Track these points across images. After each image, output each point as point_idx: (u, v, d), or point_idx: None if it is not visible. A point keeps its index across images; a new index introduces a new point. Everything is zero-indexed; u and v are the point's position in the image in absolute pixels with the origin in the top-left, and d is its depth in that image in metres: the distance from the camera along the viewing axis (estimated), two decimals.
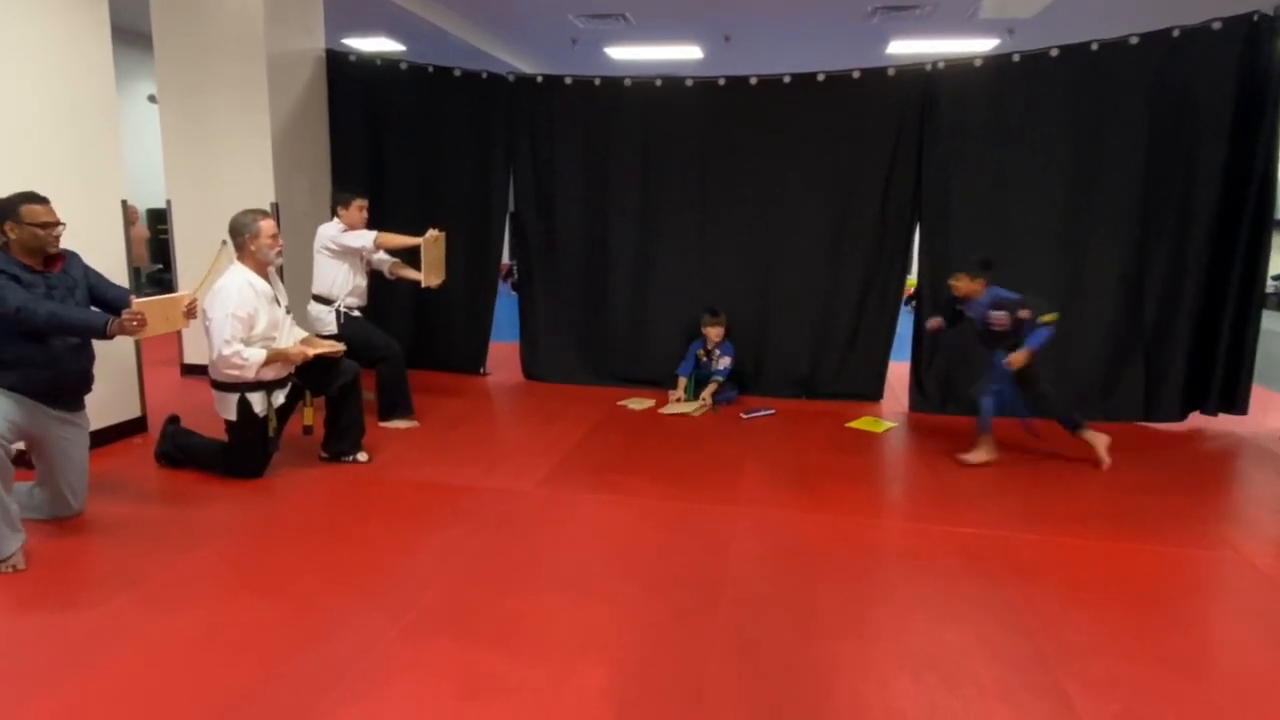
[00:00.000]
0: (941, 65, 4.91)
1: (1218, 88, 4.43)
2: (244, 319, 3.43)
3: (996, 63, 4.82)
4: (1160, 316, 4.77)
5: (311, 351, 3.68)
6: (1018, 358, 3.81)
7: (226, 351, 3.39)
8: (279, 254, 3.61)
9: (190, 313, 3.13)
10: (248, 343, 3.45)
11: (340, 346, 3.87)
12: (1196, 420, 4.84)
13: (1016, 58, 4.75)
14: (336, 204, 4.65)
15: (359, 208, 4.61)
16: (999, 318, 3.93)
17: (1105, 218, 4.75)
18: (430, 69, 5.63)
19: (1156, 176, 4.63)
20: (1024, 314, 3.85)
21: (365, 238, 4.47)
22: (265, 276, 3.59)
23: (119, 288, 3.20)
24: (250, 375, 3.47)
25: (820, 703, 2.09)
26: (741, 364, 5.38)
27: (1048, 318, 3.79)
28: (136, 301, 2.90)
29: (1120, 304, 4.81)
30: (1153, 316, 4.78)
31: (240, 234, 3.55)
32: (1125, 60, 4.56)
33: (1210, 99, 4.46)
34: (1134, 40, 4.53)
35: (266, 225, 3.55)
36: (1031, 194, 4.82)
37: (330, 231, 4.54)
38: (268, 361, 3.49)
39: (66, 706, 2.02)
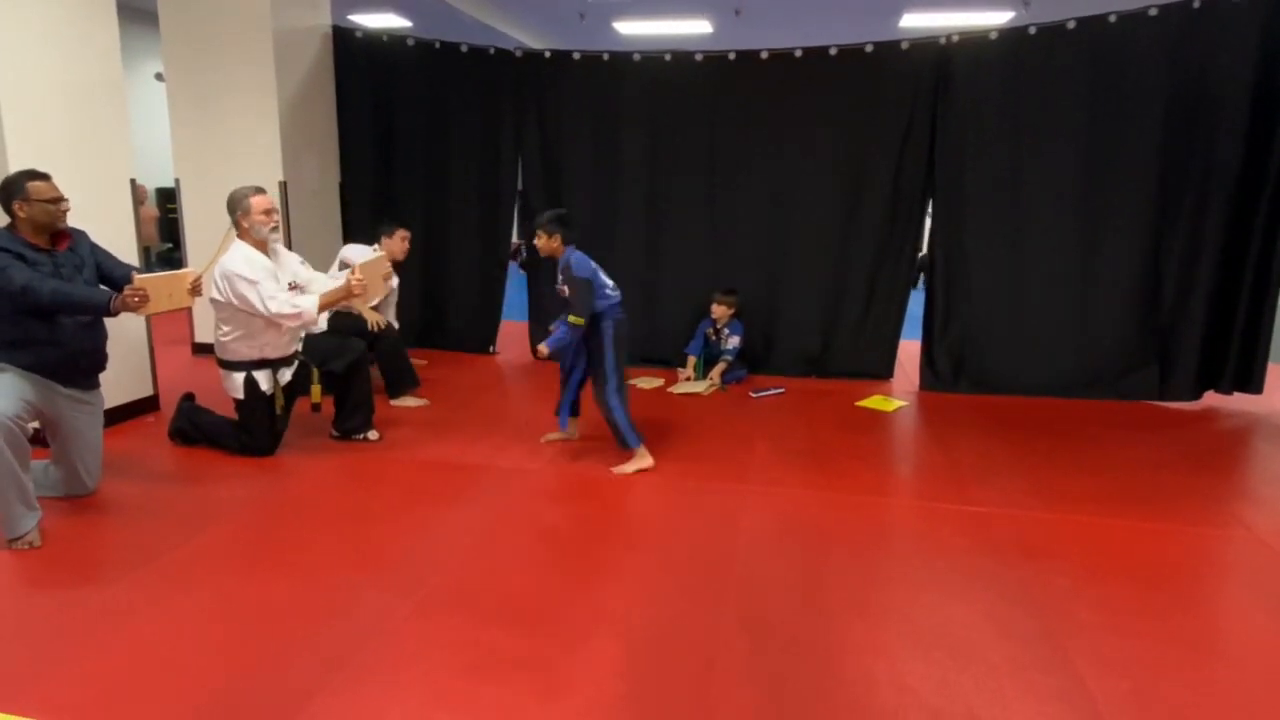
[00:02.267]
0: (956, 38, 4.83)
1: (1239, 60, 4.35)
2: (258, 281, 3.43)
3: (1012, 35, 4.74)
4: (1176, 294, 4.71)
5: (375, 296, 3.63)
6: (542, 349, 3.61)
7: (275, 307, 3.41)
8: (273, 229, 3.56)
9: (195, 290, 3.12)
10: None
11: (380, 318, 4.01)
12: (1211, 399, 4.80)
13: (1033, 30, 4.67)
14: (381, 232, 4.81)
15: (402, 238, 4.78)
16: (561, 288, 3.61)
17: (1121, 194, 4.68)
18: (437, 45, 5.58)
19: (1174, 152, 4.55)
20: (563, 290, 3.57)
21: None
22: (266, 253, 3.58)
23: (127, 265, 3.20)
24: (308, 319, 3.51)
25: (829, 679, 2.09)
26: (751, 342, 5.36)
27: (574, 319, 3.46)
28: (139, 278, 2.90)
29: (1135, 281, 4.76)
30: (1168, 294, 4.72)
31: (233, 211, 3.54)
32: (1144, 32, 4.47)
33: (1231, 72, 4.37)
34: (1153, 12, 4.44)
35: (257, 201, 3.51)
36: (1047, 169, 4.76)
37: (334, 268, 4.60)
38: (323, 305, 3.52)
39: (86, 678, 2.05)
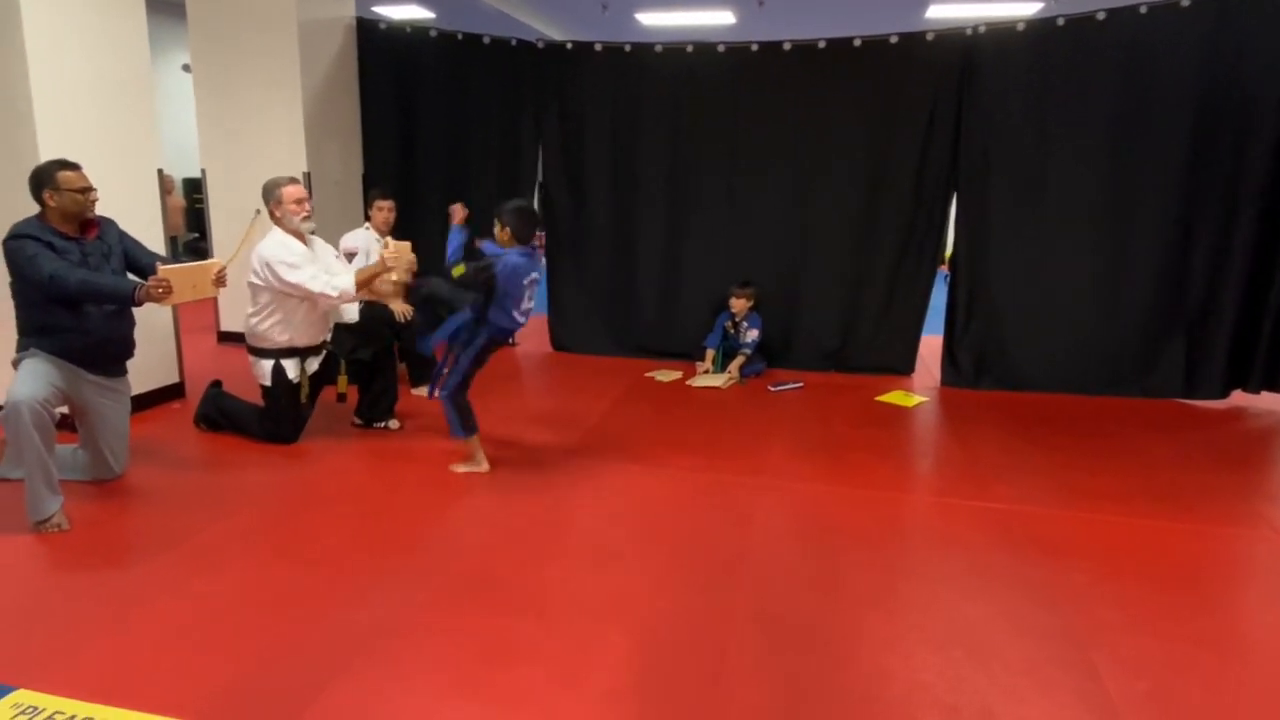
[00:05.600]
0: (982, 29, 4.77)
1: (1275, 53, 4.24)
2: (300, 263, 3.50)
3: (1040, 26, 4.67)
4: (1204, 291, 4.62)
5: (393, 272, 3.62)
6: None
7: (317, 286, 3.47)
8: (305, 219, 3.61)
9: (220, 280, 3.16)
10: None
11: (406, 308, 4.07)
12: (1238, 398, 4.71)
13: (1061, 21, 4.59)
14: (368, 209, 4.76)
15: (377, 209, 4.66)
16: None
17: (1150, 189, 4.60)
18: (459, 36, 5.60)
19: (1205, 146, 4.46)
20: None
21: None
22: (303, 240, 3.63)
23: (153, 255, 3.25)
24: (347, 297, 3.58)
25: (843, 673, 2.09)
26: (770, 336, 5.34)
27: (456, 270, 3.23)
28: (163, 269, 2.95)
29: (1162, 277, 4.67)
30: (1196, 291, 4.64)
31: (266, 199, 3.60)
32: (1176, 24, 4.38)
33: (1265, 64, 4.27)
34: (1185, 3, 4.34)
35: (290, 190, 3.57)
36: (1074, 164, 4.68)
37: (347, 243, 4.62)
38: (359, 285, 3.56)
39: (110, 658, 2.10)
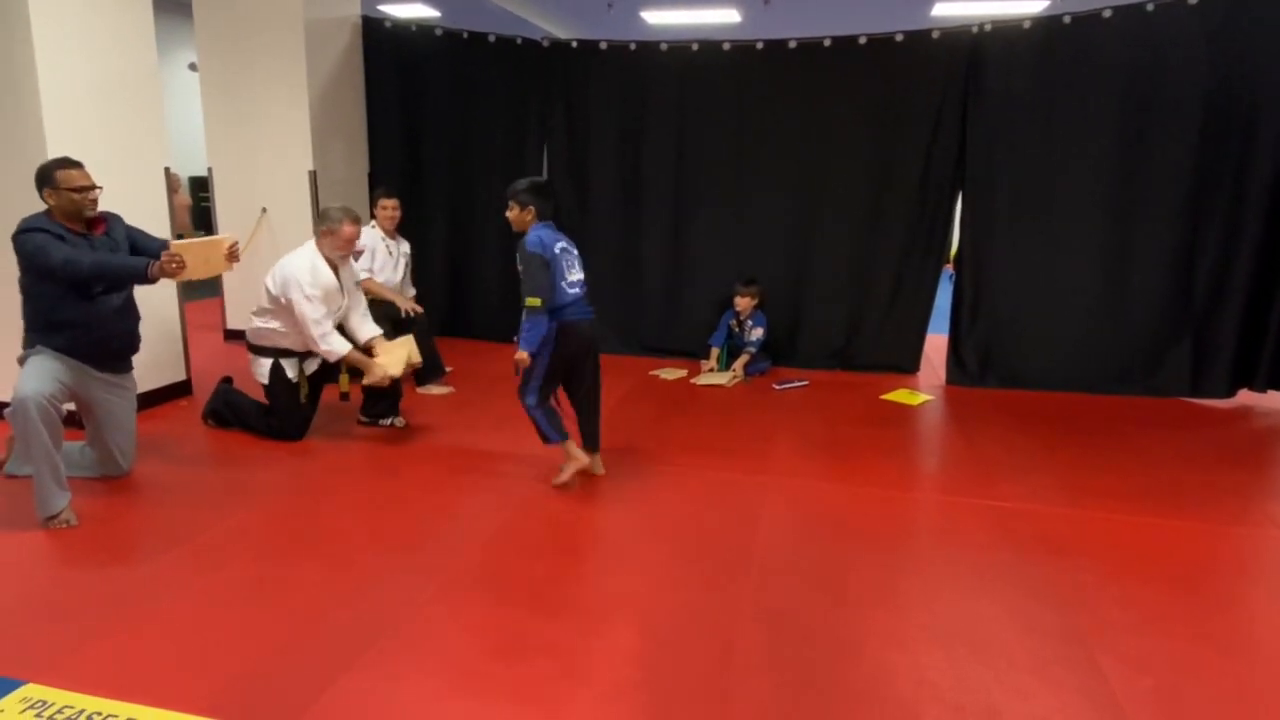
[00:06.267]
0: (988, 27, 4.76)
1: None
2: (320, 296, 3.54)
3: (1046, 24, 4.66)
4: (1210, 290, 4.61)
5: (392, 372, 3.65)
6: (520, 356, 3.10)
7: (315, 331, 3.52)
8: (345, 258, 3.69)
9: (233, 255, 3.18)
10: None
11: (414, 360, 3.90)
12: (1245, 397, 4.70)
13: (1067, 19, 4.58)
14: (372, 207, 4.76)
15: (381, 208, 4.67)
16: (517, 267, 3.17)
17: (1156, 187, 4.59)
18: (465, 35, 5.61)
19: (1211, 144, 4.45)
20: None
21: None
22: (335, 267, 3.65)
23: (159, 240, 3.25)
24: (329, 357, 3.61)
25: (848, 671, 2.09)
26: (775, 335, 5.33)
27: (530, 301, 3.04)
28: (176, 243, 2.96)
29: (1169, 276, 4.66)
30: (1202, 289, 4.62)
31: (322, 221, 3.64)
32: (1183, 21, 4.37)
33: (1272, 61, 4.26)
34: (1192, 1, 4.33)
35: (349, 231, 3.61)
36: (1080, 162, 4.67)
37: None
38: (348, 361, 3.61)
39: (118, 653, 2.11)
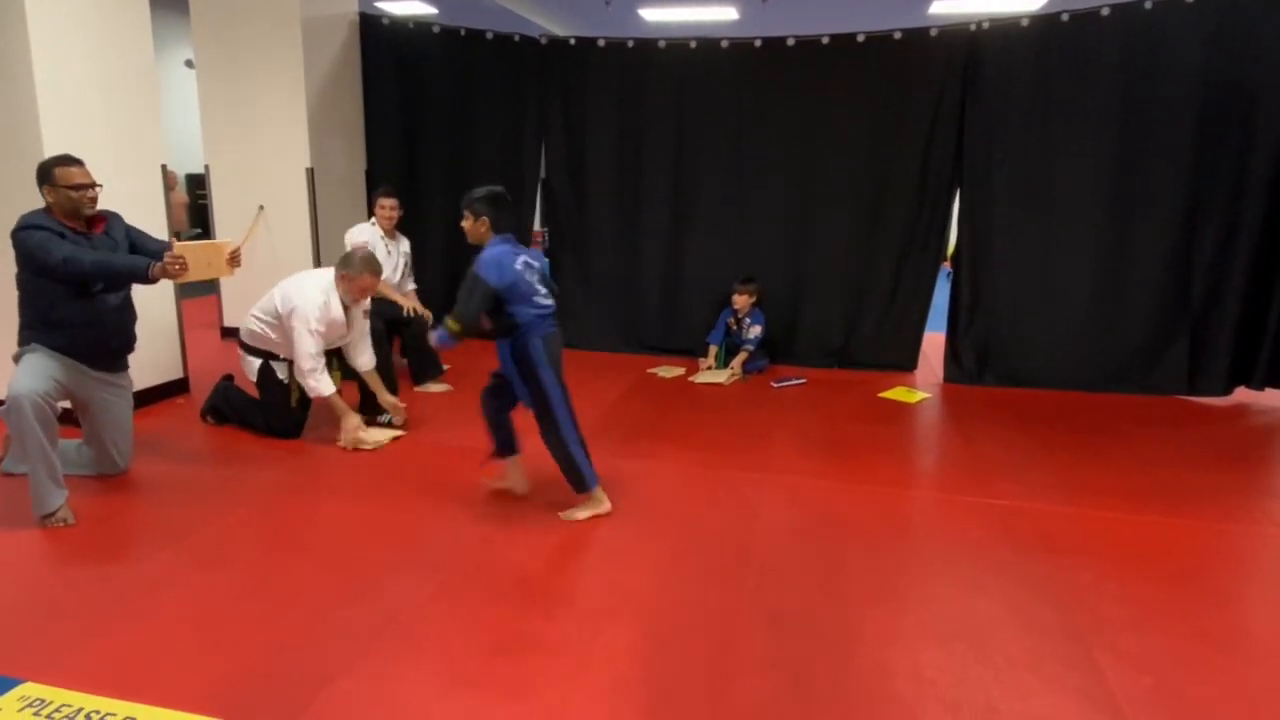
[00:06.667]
0: (986, 25, 4.76)
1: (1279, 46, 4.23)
2: (322, 332, 3.55)
3: (1044, 22, 4.65)
4: (1208, 288, 4.62)
5: (368, 441, 3.66)
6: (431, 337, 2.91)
7: (306, 366, 3.52)
8: (356, 303, 3.71)
9: (235, 260, 3.18)
10: None
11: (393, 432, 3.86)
12: (1242, 395, 4.71)
13: (1065, 17, 4.58)
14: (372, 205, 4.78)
15: (379, 207, 4.69)
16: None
17: (1154, 186, 4.59)
18: (462, 32, 5.60)
19: (1209, 142, 4.45)
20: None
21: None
22: (346, 307, 3.66)
23: (160, 241, 3.25)
24: (310, 393, 3.61)
25: (846, 668, 2.10)
26: (773, 333, 5.34)
27: (450, 323, 2.75)
28: (179, 244, 2.96)
29: (1166, 274, 4.67)
30: (1200, 287, 4.63)
31: (344, 265, 3.64)
32: (1181, 19, 4.37)
33: (1270, 59, 4.26)
34: None
35: (365, 282, 3.62)
36: (1077, 160, 4.68)
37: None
38: (331, 405, 3.61)
39: (117, 652, 2.11)
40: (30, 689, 1.93)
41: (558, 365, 2.92)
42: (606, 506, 3.01)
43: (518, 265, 2.84)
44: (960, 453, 3.84)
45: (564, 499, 3.10)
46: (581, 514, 2.98)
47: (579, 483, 2.97)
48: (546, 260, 4.41)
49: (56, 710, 1.86)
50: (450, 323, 2.75)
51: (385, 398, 3.86)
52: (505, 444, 3.12)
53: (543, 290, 2.90)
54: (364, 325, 3.85)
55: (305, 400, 3.77)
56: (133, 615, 2.28)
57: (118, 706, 1.88)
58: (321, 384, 3.56)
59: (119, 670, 2.03)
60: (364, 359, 3.83)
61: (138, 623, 2.25)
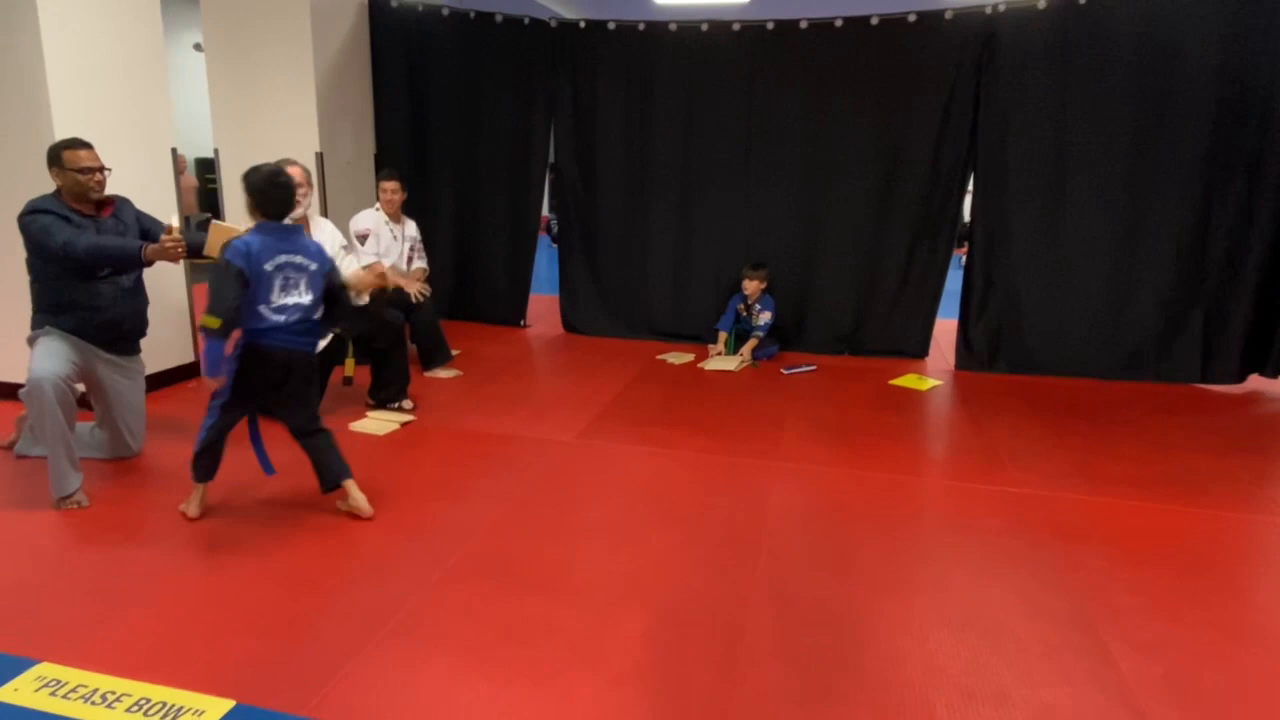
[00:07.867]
0: (1002, 8, 4.69)
1: None
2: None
3: (1061, 5, 4.59)
4: (1221, 275, 4.58)
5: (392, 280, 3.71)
6: (205, 381, 2.71)
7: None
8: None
9: None
10: None
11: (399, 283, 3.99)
12: (1255, 382, 4.67)
13: (1082, 0, 4.51)
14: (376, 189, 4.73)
15: (381, 189, 4.63)
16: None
17: (1168, 172, 4.54)
18: (472, 15, 5.56)
19: (1225, 128, 4.40)
20: None
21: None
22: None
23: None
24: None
25: (857, 655, 2.10)
26: (783, 319, 5.31)
27: (205, 319, 2.52)
28: (215, 224, 2.93)
29: (1180, 261, 4.62)
30: (1213, 275, 4.59)
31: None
32: (1199, 3, 4.30)
33: None
34: None
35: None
36: (1092, 145, 4.62)
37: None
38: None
39: (132, 632, 2.13)
40: (46, 669, 1.95)
41: (255, 379, 2.69)
42: (195, 509, 2.79)
43: (268, 265, 2.60)
44: (972, 440, 3.82)
45: (573, 494, 3.11)
46: (190, 505, 2.79)
47: (192, 462, 2.76)
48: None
49: (72, 690, 1.88)
50: (205, 320, 2.51)
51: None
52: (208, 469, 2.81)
53: (280, 302, 2.62)
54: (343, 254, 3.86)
55: (324, 379, 3.77)
56: (147, 597, 2.30)
57: (133, 687, 1.89)
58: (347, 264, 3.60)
59: (134, 651, 2.05)
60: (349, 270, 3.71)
61: (152, 605, 2.27)
